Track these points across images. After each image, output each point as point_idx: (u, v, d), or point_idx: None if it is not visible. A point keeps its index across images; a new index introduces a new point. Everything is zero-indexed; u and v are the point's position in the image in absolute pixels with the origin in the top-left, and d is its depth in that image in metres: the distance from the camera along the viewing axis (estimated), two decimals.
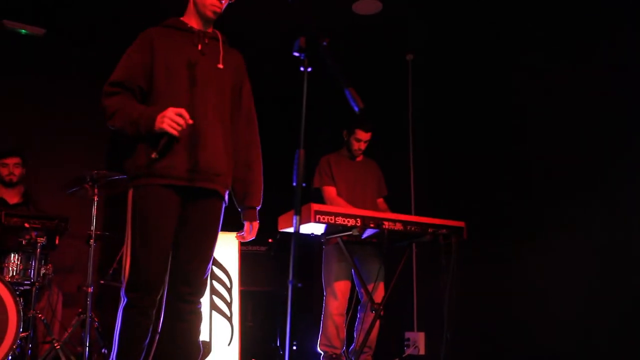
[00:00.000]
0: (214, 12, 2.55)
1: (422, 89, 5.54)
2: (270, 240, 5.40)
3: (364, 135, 4.31)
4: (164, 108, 2.32)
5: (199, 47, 2.54)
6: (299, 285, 1.64)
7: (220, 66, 2.55)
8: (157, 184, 2.38)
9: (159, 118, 2.31)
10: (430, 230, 3.82)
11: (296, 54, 1.80)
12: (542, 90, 4.43)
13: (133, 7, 4.89)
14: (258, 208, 2.73)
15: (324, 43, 1.80)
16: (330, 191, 4.28)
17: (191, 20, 2.60)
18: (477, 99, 5.00)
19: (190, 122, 2.33)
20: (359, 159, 4.45)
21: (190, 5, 2.61)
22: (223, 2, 2.54)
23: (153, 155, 2.32)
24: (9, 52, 5.34)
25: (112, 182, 4.08)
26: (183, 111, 2.32)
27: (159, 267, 2.39)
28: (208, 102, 2.48)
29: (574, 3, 4.27)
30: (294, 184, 1.70)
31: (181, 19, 2.62)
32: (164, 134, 2.31)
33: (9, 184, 4.53)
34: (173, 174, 2.38)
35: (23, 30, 5.40)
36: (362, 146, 4.36)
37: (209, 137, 2.46)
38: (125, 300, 2.37)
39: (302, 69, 1.80)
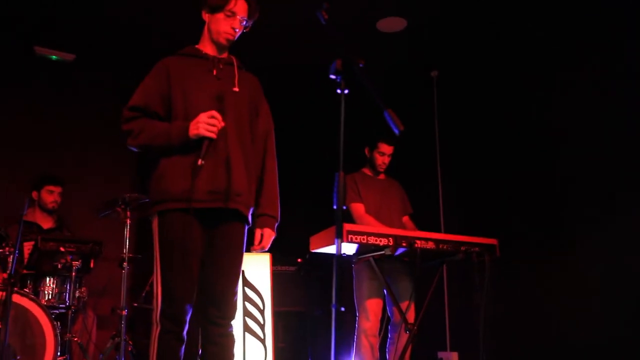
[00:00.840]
0: (227, 40, 2.62)
1: (447, 105, 5.53)
2: (299, 260, 5.40)
3: (387, 149, 4.29)
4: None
5: (214, 72, 2.60)
6: (342, 309, 1.62)
7: (236, 89, 2.61)
8: (181, 208, 2.40)
9: (192, 125, 2.38)
10: (462, 248, 3.77)
11: (333, 76, 1.81)
12: (573, 107, 4.39)
13: (161, 34, 4.97)
14: (272, 217, 2.69)
15: (360, 65, 1.81)
16: (359, 208, 4.25)
17: (206, 47, 2.67)
18: (504, 115, 4.96)
19: (223, 124, 2.40)
20: (381, 177, 4.43)
21: (205, 33, 2.68)
22: (237, 30, 2.60)
23: (199, 163, 2.34)
24: (40, 77, 5.46)
25: (143, 205, 4.12)
26: (215, 113, 2.39)
27: (190, 293, 2.42)
28: (228, 125, 2.50)
29: (601, 18, 4.24)
30: (335, 206, 1.70)
31: (196, 46, 2.69)
32: (202, 139, 2.36)
33: (50, 211, 4.62)
34: (195, 197, 2.40)
35: (54, 56, 5.53)
36: (386, 160, 4.33)
37: (229, 158, 2.50)
38: (160, 327, 2.39)
39: (339, 91, 1.80)
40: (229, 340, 2.53)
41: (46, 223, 4.65)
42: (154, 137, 2.45)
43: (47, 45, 5.39)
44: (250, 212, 2.61)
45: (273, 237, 2.68)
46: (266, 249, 2.67)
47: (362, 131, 4.00)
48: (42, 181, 4.65)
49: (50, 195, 4.64)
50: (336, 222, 1.68)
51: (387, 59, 5.36)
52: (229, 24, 2.58)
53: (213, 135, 2.37)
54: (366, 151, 4.38)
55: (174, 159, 2.44)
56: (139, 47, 5.30)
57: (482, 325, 3.73)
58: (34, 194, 4.65)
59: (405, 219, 4.44)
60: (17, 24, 5.02)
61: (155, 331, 2.39)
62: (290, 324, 5.29)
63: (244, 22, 2.62)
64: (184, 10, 3.99)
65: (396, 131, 1.67)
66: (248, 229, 2.63)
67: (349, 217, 4.29)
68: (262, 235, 2.64)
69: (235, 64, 2.69)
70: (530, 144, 4.68)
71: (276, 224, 2.70)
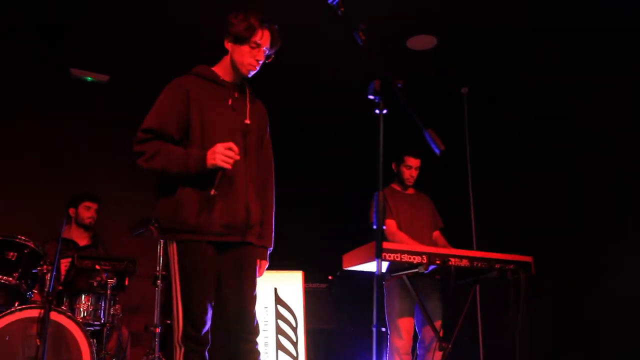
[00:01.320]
0: (250, 72, 2.63)
1: (478, 121, 5.50)
2: (330, 277, 5.39)
3: (414, 162, 4.28)
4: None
5: (230, 101, 2.61)
6: (383, 329, 1.61)
7: (248, 122, 2.63)
8: (199, 240, 2.45)
9: (209, 154, 2.39)
10: (497, 265, 3.73)
11: (371, 96, 1.82)
12: (606, 122, 4.34)
13: (196, 55, 5.03)
14: (267, 249, 2.75)
15: (399, 85, 1.81)
16: (391, 225, 4.23)
17: (224, 74, 2.66)
18: (536, 130, 4.93)
19: (238, 157, 2.42)
20: (411, 191, 4.40)
21: (227, 60, 2.66)
22: (260, 62, 2.61)
23: (212, 192, 2.37)
24: (76, 98, 5.58)
25: None
26: (232, 145, 2.41)
27: (207, 315, 2.47)
28: (240, 157, 2.51)
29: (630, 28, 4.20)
30: (374, 226, 1.70)
31: (213, 69, 2.67)
32: (218, 169, 2.39)
33: (86, 227, 4.70)
34: (213, 231, 2.45)
35: (89, 78, 5.65)
36: (414, 173, 4.31)
37: (242, 191, 2.54)
38: (183, 348, 2.44)
39: (377, 111, 1.81)
40: (257, 356, 2.56)
41: (82, 240, 4.72)
42: (170, 163, 2.43)
43: (82, 67, 5.51)
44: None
45: (266, 266, 2.76)
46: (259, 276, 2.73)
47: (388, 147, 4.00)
48: (80, 198, 4.75)
49: (88, 211, 4.72)
50: (376, 242, 1.68)
51: (417, 76, 5.36)
52: (253, 56, 2.58)
53: (229, 167, 2.40)
54: (393, 166, 4.37)
55: (189, 189, 2.46)
56: (170, 66, 5.38)
57: (518, 344, 3.67)
58: (71, 211, 4.74)
59: (436, 233, 4.40)
60: (53, 48, 5.14)
61: (180, 352, 2.43)
62: (321, 341, 5.27)
63: (267, 52, 2.61)
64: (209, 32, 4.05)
65: (437, 151, 1.67)
66: None
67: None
68: (261, 264, 2.71)
69: (247, 92, 2.70)
70: (564, 159, 4.63)
71: (269, 253, 2.77)
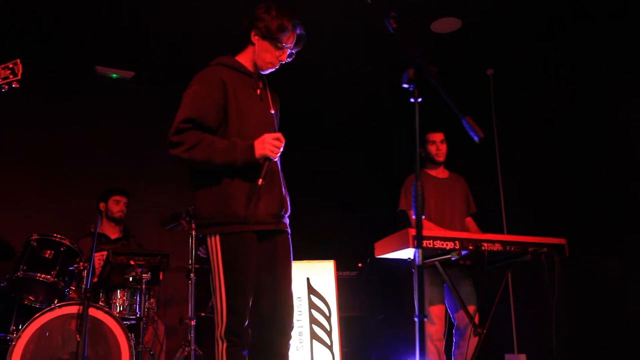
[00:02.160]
0: (268, 69, 2.66)
1: (505, 102, 5.44)
2: (360, 264, 5.39)
3: (436, 136, 4.25)
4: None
5: (258, 92, 2.64)
6: (425, 319, 1.61)
7: (272, 111, 2.67)
8: (245, 230, 2.43)
9: (257, 145, 2.39)
10: (530, 249, 3.69)
11: (405, 85, 1.80)
12: (634, 99, 4.25)
13: (222, 51, 5.04)
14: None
15: (433, 72, 1.79)
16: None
17: (247, 63, 2.66)
18: (564, 109, 4.85)
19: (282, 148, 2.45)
20: (445, 174, 4.36)
21: (249, 51, 2.65)
22: (282, 62, 2.63)
23: (260, 182, 2.37)
24: (102, 95, 5.63)
25: None
26: (279, 135, 2.43)
27: (248, 307, 2.48)
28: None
29: None
30: (414, 216, 1.68)
31: (237, 58, 2.67)
32: (265, 159, 2.39)
33: (116, 220, 4.77)
34: (259, 220, 2.47)
35: (114, 75, 5.70)
36: (441, 147, 4.26)
37: (277, 180, 2.58)
38: (226, 342, 2.43)
39: (412, 100, 1.79)
40: (288, 352, 2.58)
41: (113, 233, 4.80)
42: (214, 154, 2.40)
43: (107, 64, 5.56)
44: None
45: None
46: None
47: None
48: (109, 192, 4.83)
49: (117, 205, 4.79)
50: (417, 231, 1.67)
51: (442, 59, 5.31)
52: (276, 56, 2.59)
53: (276, 157, 2.44)
54: (421, 151, 4.34)
55: (236, 180, 2.46)
56: (194, 61, 5.39)
57: (554, 327, 3.64)
58: (102, 205, 4.81)
59: (469, 219, 4.37)
60: (79, 45, 5.19)
61: (222, 346, 2.43)
62: (354, 328, 5.29)
63: (290, 51, 2.62)
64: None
65: (476, 138, 1.65)
66: None
67: (407, 220, 4.26)
68: None
69: (265, 81, 2.73)
70: (593, 137, 4.56)
71: None
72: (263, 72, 2.68)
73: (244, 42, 2.66)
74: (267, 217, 2.50)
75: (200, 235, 2.58)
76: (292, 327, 2.59)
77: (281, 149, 2.43)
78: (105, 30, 4.95)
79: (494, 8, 4.61)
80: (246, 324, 2.46)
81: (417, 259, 1.68)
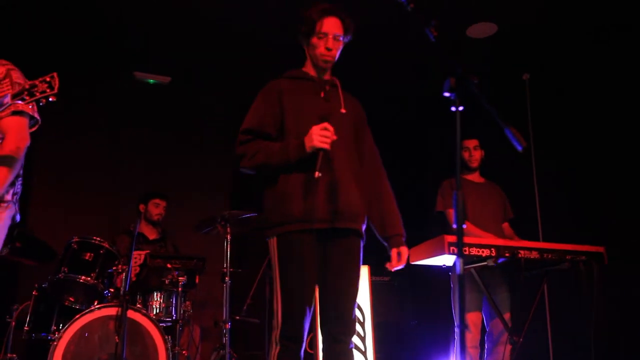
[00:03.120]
0: (326, 61, 2.64)
1: (541, 108, 5.37)
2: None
3: (470, 143, 4.28)
4: None
5: (322, 94, 2.64)
6: (466, 328, 1.60)
7: (343, 110, 2.63)
8: (301, 229, 2.44)
9: (306, 139, 2.41)
10: (568, 257, 3.65)
11: (447, 94, 1.80)
12: None
13: (256, 56, 5.10)
14: (401, 235, 2.70)
15: (475, 82, 1.79)
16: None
17: (310, 70, 2.71)
18: (601, 115, 4.77)
19: (335, 137, 2.42)
20: (481, 180, 4.35)
21: (308, 58, 2.72)
22: (332, 49, 2.61)
23: (316, 175, 2.35)
24: (139, 100, 5.74)
25: (241, 221, 4.23)
26: (326, 124, 2.41)
27: (308, 312, 2.45)
28: (337, 145, 2.51)
29: None
30: (454, 225, 1.68)
31: (302, 69, 2.73)
32: (318, 151, 2.39)
33: (154, 223, 4.86)
34: (316, 218, 2.43)
35: (151, 80, 5.80)
36: (475, 154, 4.29)
37: (343, 178, 2.53)
38: (279, 346, 2.43)
39: (453, 108, 1.79)
40: (350, 358, 2.53)
41: (151, 234, 4.90)
42: (271, 156, 2.49)
43: (145, 69, 5.66)
44: (364, 228, 2.63)
45: (408, 253, 2.72)
46: (404, 265, 2.73)
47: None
48: (150, 195, 4.94)
49: (156, 208, 4.89)
50: (458, 240, 1.67)
51: (478, 64, 5.28)
52: (322, 45, 2.60)
53: (327, 146, 2.39)
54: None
55: (291, 180, 2.48)
56: (229, 69, 5.47)
57: (592, 336, 3.58)
58: (141, 207, 4.93)
59: (505, 225, 4.34)
60: (117, 52, 5.30)
61: (275, 350, 2.43)
62: (386, 334, 5.27)
63: (340, 38, 2.62)
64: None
65: (519, 148, 1.65)
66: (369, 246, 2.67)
67: (444, 223, 4.24)
68: (399, 253, 2.67)
69: (338, 85, 2.72)
70: (632, 143, 4.47)
71: (405, 240, 2.73)
72: (325, 67, 2.67)
73: (304, 54, 2.74)
74: (326, 215, 2.45)
75: (266, 240, 2.58)
76: (347, 336, 2.50)
77: (331, 137, 2.40)
78: (143, 37, 5.04)
79: (529, 13, 4.58)
80: (304, 328, 2.42)
81: (457, 268, 1.68)
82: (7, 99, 2.27)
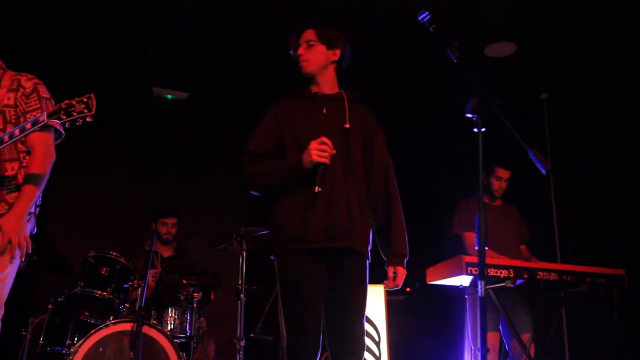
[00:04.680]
0: (305, 71, 2.67)
1: (559, 127, 5.34)
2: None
3: (504, 173, 4.20)
4: None
5: (324, 110, 2.62)
6: (488, 351, 1.58)
7: (347, 125, 2.60)
8: (296, 248, 2.44)
9: (305, 154, 2.40)
10: (587, 279, 3.60)
11: (469, 115, 1.80)
12: None
13: (274, 72, 5.12)
14: (402, 255, 2.64)
15: (498, 104, 1.78)
16: (472, 237, 4.15)
17: (313, 87, 2.70)
18: (619, 136, 4.73)
19: (334, 152, 2.41)
20: (498, 202, 4.32)
21: None
22: (303, 56, 2.64)
23: (317, 189, 2.36)
24: (157, 115, 5.78)
25: (257, 238, 4.22)
26: (324, 139, 2.40)
27: (313, 332, 2.42)
28: (338, 160, 2.50)
29: None
30: (477, 247, 1.67)
31: (310, 88, 2.72)
32: (317, 166, 2.38)
33: (165, 242, 4.83)
34: (310, 238, 2.43)
35: (169, 95, 5.85)
36: (503, 185, 4.22)
37: (342, 195, 2.49)
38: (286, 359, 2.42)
39: (475, 130, 1.78)
40: None
41: (166, 252, 4.87)
42: (271, 175, 2.53)
43: (162, 85, 5.72)
44: (368, 247, 2.59)
45: (405, 274, 2.63)
46: (399, 286, 2.63)
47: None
48: (157, 214, 4.89)
49: (164, 227, 4.84)
50: (479, 262, 1.65)
51: (495, 83, 5.27)
52: (297, 56, 2.66)
53: (325, 160, 2.38)
54: (482, 176, 4.26)
55: (288, 198, 2.50)
56: (246, 84, 5.51)
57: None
58: (153, 226, 4.90)
59: (523, 247, 4.30)
60: (134, 67, 5.36)
61: None
62: (401, 354, 5.21)
63: (313, 43, 2.63)
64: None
65: (543, 171, 1.63)
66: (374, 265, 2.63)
67: (460, 245, 4.20)
68: (395, 273, 2.60)
69: (345, 98, 2.67)
70: None
71: (405, 260, 2.65)
72: (305, 74, 2.68)
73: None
74: (323, 234, 2.43)
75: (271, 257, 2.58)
76: (352, 357, 2.45)
77: (329, 151, 2.39)
78: (161, 52, 5.09)
79: (548, 32, 4.57)
80: (310, 348, 2.40)
81: (480, 290, 1.66)
82: (43, 117, 2.29)
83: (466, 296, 4.17)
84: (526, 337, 3.86)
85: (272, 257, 2.57)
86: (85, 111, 2.29)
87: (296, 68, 2.70)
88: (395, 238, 2.63)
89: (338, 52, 2.67)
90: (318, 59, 2.65)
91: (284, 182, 2.50)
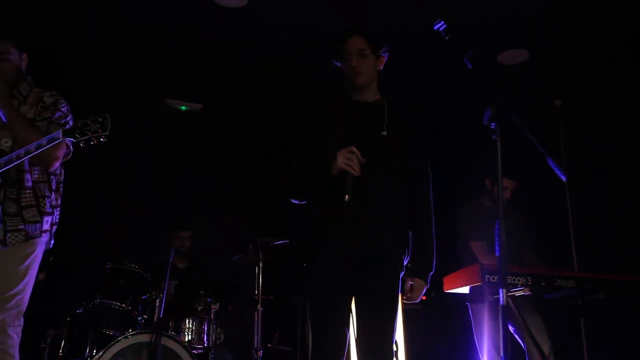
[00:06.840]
0: (353, 81, 2.57)
1: (573, 134, 5.31)
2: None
3: (510, 184, 4.13)
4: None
5: (362, 117, 2.57)
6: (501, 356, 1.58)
7: (384, 133, 2.53)
8: (326, 257, 2.42)
9: (334, 162, 2.38)
10: (606, 287, 3.56)
11: (488, 123, 1.80)
12: None
13: (283, 83, 5.16)
14: (424, 270, 2.55)
15: (515, 114, 1.79)
16: (481, 246, 4.11)
17: (357, 94, 2.63)
18: (634, 143, 4.70)
19: (363, 160, 2.37)
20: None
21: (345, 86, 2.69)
22: (356, 67, 2.52)
23: (346, 198, 2.32)
24: (170, 126, 5.82)
25: (273, 248, 4.24)
26: (353, 148, 2.37)
27: (339, 347, 2.38)
28: (371, 169, 2.43)
29: None
30: (497, 254, 1.67)
31: (352, 94, 2.64)
32: (346, 175, 2.35)
33: (179, 254, 4.87)
34: (340, 246, 2.41)
35: (183, 107, 5.89)
36: (508, 194, 4.16)
37: (372, 205, 2.44)
38: None
39: (494, 137, 1.79)
40: None
41: (181, 263, 4.93)
42: (305, 185, 2.53)
43: (176, 96, 5.76)
44: (402, 256, 2.52)
45: (425, 288, 2.56)
46: (416, 301, 2.58)
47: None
48: (172, 227, 4.98)
49: (180, 240, 4.92)
50: (500, 271, 1.65)
51: (509, 90, 5.27)
52: (347, 66, 2.55)
53: (350, 169, 2.34)
54: (487, 183, 4.23)
55: (321, 206, 2.49)
56: (261, 96, 5.54)
57: None
58: (169, 238, 4.93)
59: (527, 251, 4.24)
60: (148, 78, 5.40)
61: None
62: None
63: (365, 52, 2.52)
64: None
65: (564, 178, 1.63)
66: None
67: (468, 253, 4.15)
68: (411, 285, 2.53)
69: (385, 107, 2.61)
70: None
71: (429, 274, 2.56)
72: (356, 86, 2.58)
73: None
74: (351, 245, 2.39)
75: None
76: None
77: (356, 160, 2.34)
78: (175, 63, 5.14)
79: (561, 39, 4.56)
80: (333, 353, 2.36)
81: (501, 298, 1.66)
82: (59, 135, 2.32)
83: (467, 304, 4.10)
84: (545, 346, 3.83)
85: (304, 265, 2.54)
86: (100, 130, 2.31)
87: (337, 75, 2.65)
88: (419, 247, 2.57)
89: (383, 59, 2.63)
90: (371, 70, 2.58)
91: (316, 189, 2.48)
